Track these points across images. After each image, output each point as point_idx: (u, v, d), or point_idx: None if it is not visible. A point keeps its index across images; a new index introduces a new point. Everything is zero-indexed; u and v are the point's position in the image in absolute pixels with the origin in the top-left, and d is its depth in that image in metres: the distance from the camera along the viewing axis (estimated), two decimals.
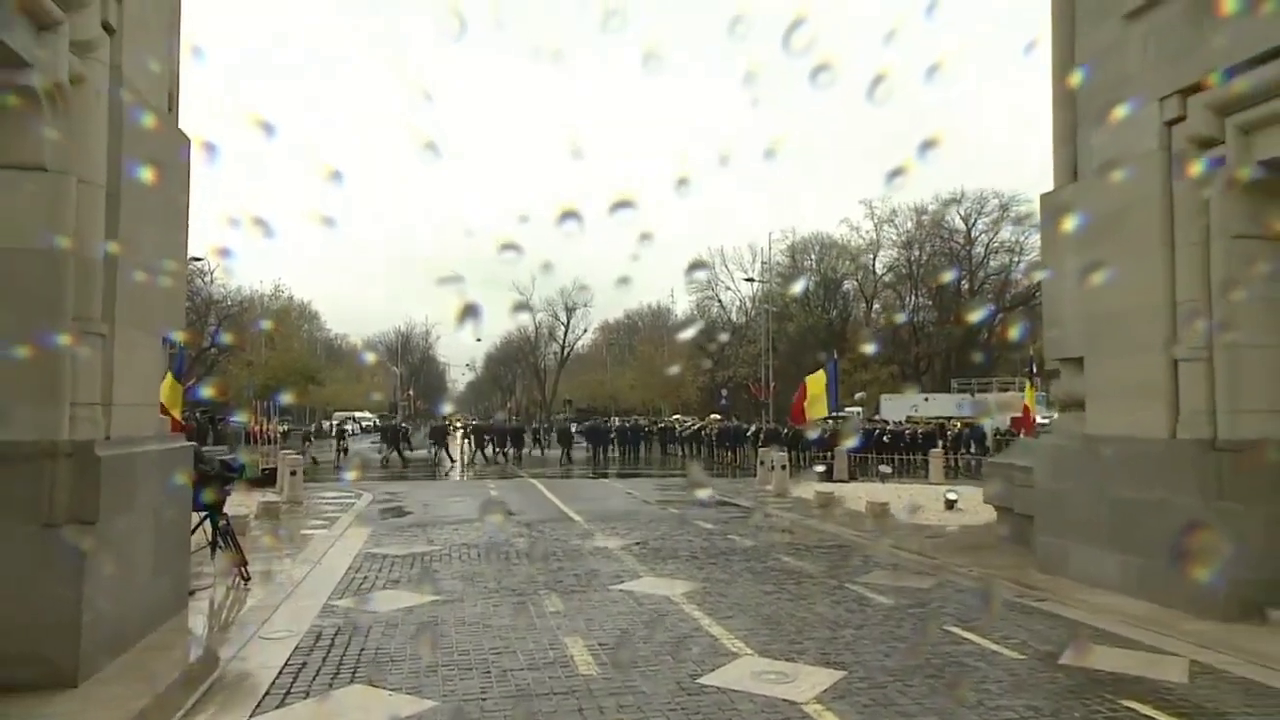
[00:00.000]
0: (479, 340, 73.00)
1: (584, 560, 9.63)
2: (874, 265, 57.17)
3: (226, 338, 46.78)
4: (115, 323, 5.78)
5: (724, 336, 56.18)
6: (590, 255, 66.87)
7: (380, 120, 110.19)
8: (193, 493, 7.46)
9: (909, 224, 54.94)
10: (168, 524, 6.61)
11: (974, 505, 13.52)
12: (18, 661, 4.92)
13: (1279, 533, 6.71)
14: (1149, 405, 7.61)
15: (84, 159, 5.48)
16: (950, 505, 14.32)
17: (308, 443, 30.13)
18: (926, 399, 43.58)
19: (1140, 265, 7.68)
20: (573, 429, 36.34)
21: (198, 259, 36.46)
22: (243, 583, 8.05)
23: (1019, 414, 21.79)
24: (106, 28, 5.70)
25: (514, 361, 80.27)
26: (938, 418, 36.00)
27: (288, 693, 5.09)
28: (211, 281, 47.39)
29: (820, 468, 21.53)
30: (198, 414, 31.87)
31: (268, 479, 17.04)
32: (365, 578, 8.58)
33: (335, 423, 47.61)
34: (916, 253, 55.33)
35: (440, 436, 31.35)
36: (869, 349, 49.76)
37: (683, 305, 69.88)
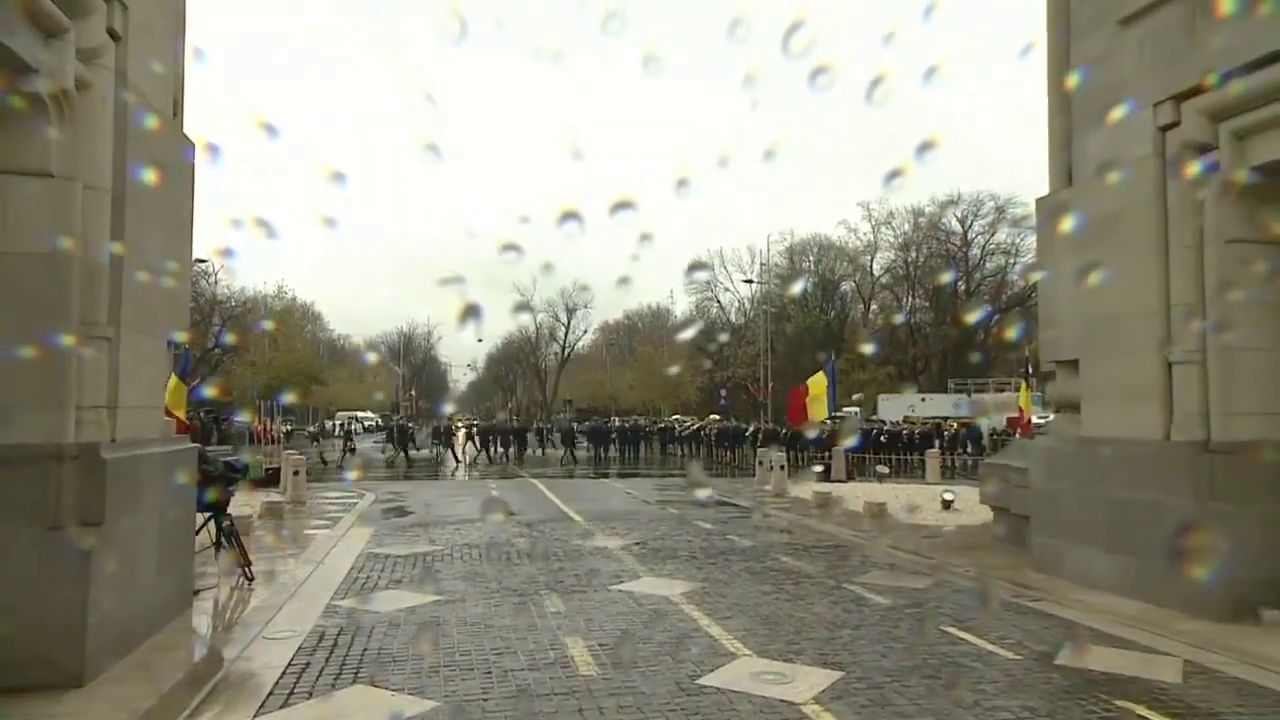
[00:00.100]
0: (480, 340, 73.02)
1: (584, 560, 9.63)
2: (871, 267, 57.22)
3: (230, 338, 46.81)
4: (120, 326, 5.78)
5: (724, 337, 56.22)
6: (590, 256, 67.10)
7: (381, 121, 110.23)
8: (197, 494, 7.47)
9: (906, 226, 55.03)
10: (172, 525, 6.62)
11: (970, 505, 13.52)
12: (24, 662, 4.92)
13: (1272, 533, 6.72)
14: (1143, 407, 7.62)
15: (90, 164, 5.49)
16: (947, 505, 14.33)
17: (316, 442, 30.19)
18: (923, 399, 43.58)
19: (1135, 269, 7.69)
20: (575, 429, 36.39)
21: (202, 260, 36.47)
22: (246, 583, 8.06)
23: (1013, 414, 21.82)
24: (112, 34, 5.70)
25: (515, 362, 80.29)
26: (934, 418, 36.03)
27: (291, 693, 5.10)
28: (216, 282, 47.46)
29: (818, 468, 21.55)
30: (202, 414, 31.90)
31: (271, 479, 17.05)
32: (368, 578, 8.58)
33: (339, 423, 47.65)
34: (914, 254, 55.38)
35: (446, 436, 31.35)
36: (868, 349, 49.82)
37: (682, 306, 69.93)
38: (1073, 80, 8.51)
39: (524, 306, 65.24)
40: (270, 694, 5.07)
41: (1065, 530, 8.45)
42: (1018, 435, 20.70)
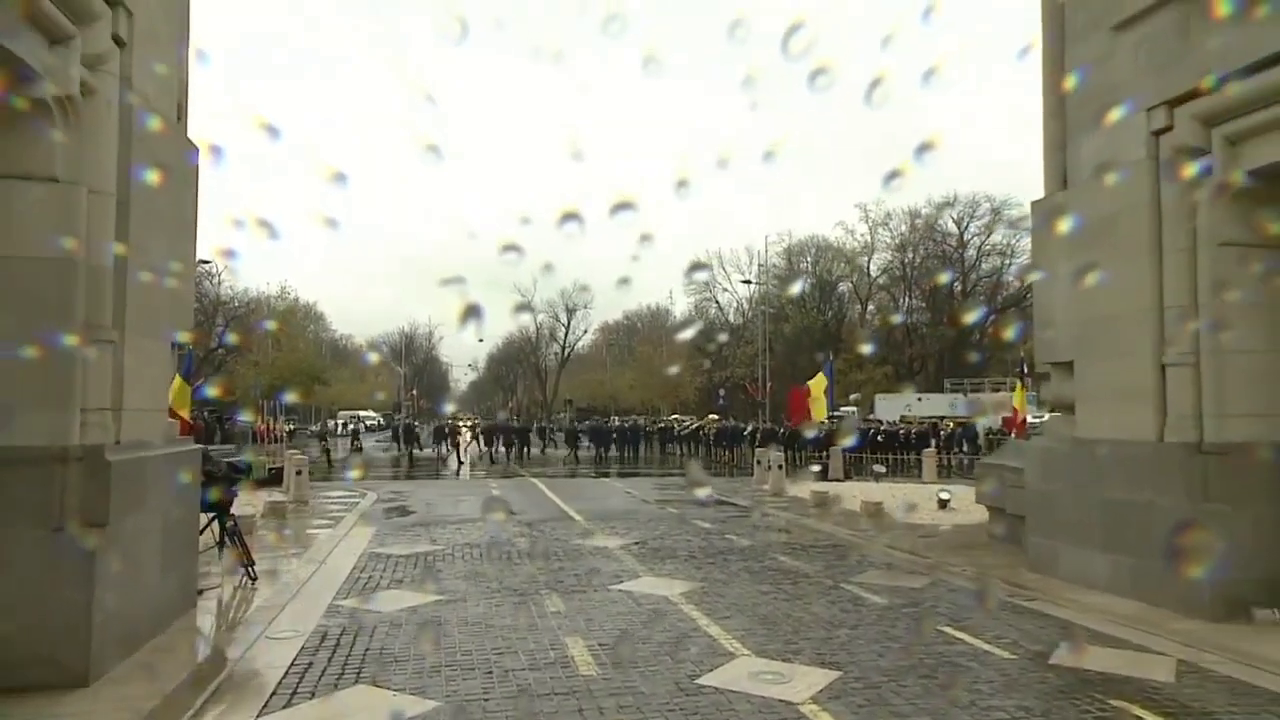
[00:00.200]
0: (481, 340, 73.10)
1: (584, 560, 9.63)
2: (869, 267, 57.28)
3: (232, 338, 46.84)
4: (125, 329, 5.78)
5: (723, 337, 56.25)
6: (590, 256, 67.16)
7: (381, 121, 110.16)
8: (200, 494, 7.48)
9: (903, 227, 55.10)
10: (176, 526, 6.62)
11: (966, 504, 13.53)
12: (30, 662, 4.92)
13: (1265, 533, 6.73)
14: (1137, 409, 7.63)
15: (95, 169, 5.49)
16: (943, 505, 14.33)
17: (323, 441, 30.25)
18: (920, 399, 43.64)
19: (1129, 271, 7.69)
20: (578, 429, 36.46)
21: (205, 261, 36.48)
22: (250, 582, 8.06)
23: (1009, 414, 21.83)
24: (117, 40, 5.70)
25: (515, 362, 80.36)
26: (931, 417, 36.08)
27: (294, 693, 5.10)
28: (219, 283, 47.49)
29: (816, 467, 21.56)
30: (205, 414, 31.89)
31: (274, 478, 17.05)
32: (370, 577, 8.58)
33: (344, 422, 47.64)
34: (910, 255, 55.45)
35: (450, 436, 31.36)
36: (866, 350, 49.91)
37: (681, 307, 69.99)
38: (1070, 82, 8.51)
39: (524, 307, 65.36)
40: (273, 694, 5.07)
41: (1060, 530, 8.46)
42: (1013, 435, 20.76)
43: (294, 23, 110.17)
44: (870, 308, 58.77)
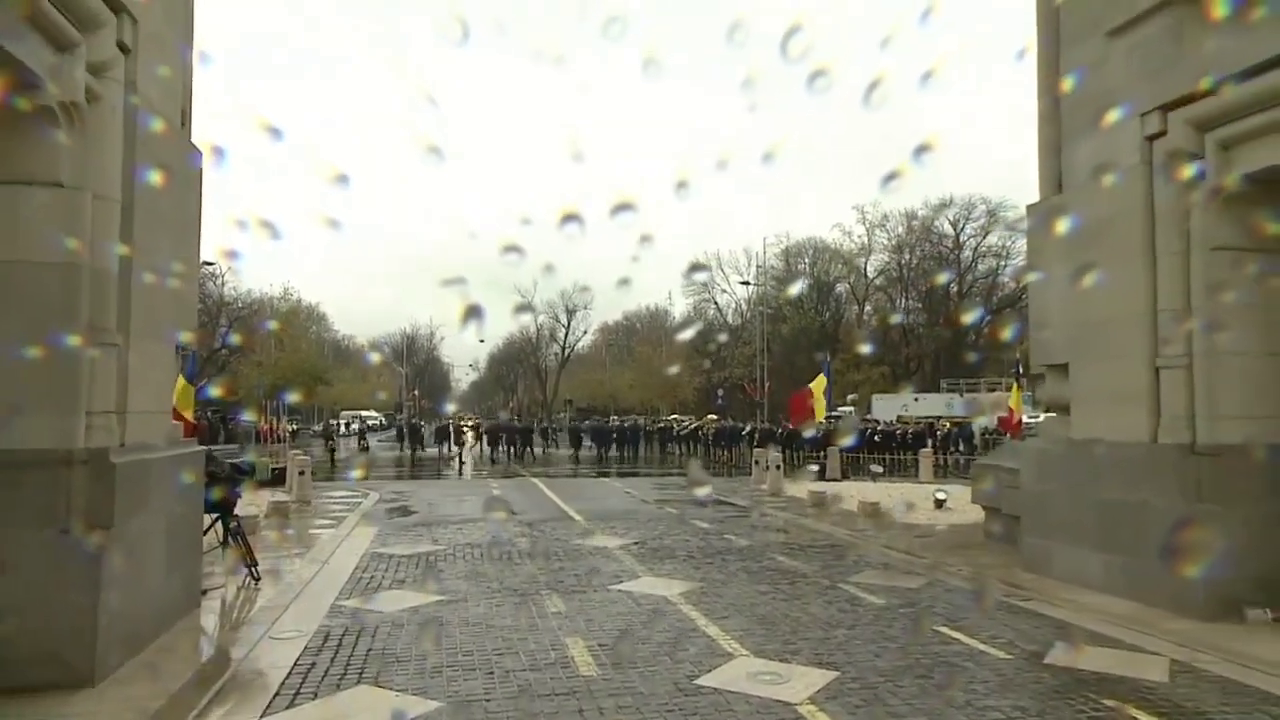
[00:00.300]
0: (482, 341, 73.10)
1: (584, 560, 9.63)
2: (866, 269, 57.33)
3: (235, 338, 46.86)
4: (129, 332, 5.79)
5: (723, 337, 56.29)
6: (590, 257, 66.95)
7: (381, 121, 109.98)
8: (204, 495, 7.48)
9: (900, 229, 55.15)
10: (180, 527, 6.62)
11: (962, 504, 13.55)
12: (35, 663, 4.93)
13: (1257, 533, 6.74)
14: (1131, 410, 7.64)
15: (99, 174, 5.49)
16: (939, 504, 14.34)
17: (329, 441, 30.24)
18: (916, 399, 43.69)
19: (1123, 275, 7.71)
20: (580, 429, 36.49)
21: (209, 263, 36.50)
22: (253, 582, 8.06)
23: (1004, 414, 21.88)
24: (122, 47, 5.71)
25: (516, 362, 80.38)
26: (927, 417, 36.11)
27: (297, 693, 5.10)
28: (223, 284, 47.49)
29: (814, 467, 21.57)
30: (209, 414, 31.89)
31: (277, 479, 17.04)
32: (372, 577, 8.59)
33: (346, 422, 47.65)
34: (907, 256, 55.51)
35: (457, 435, 31.35)
36: (865, 349, 49.99)
37: (680, 307, 70.04)
38: (1067, 84, 8.51)
39: (525, 307, 65.34)
40: (277, 694, 5.07)
41: (1055, 531, 8.47)
42: (1008, 435, 20.79)
43: (294, 23, 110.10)
44: (867, 309, 58.82)
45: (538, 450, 32.98)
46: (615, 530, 12.02)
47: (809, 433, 23.83)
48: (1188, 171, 7.22)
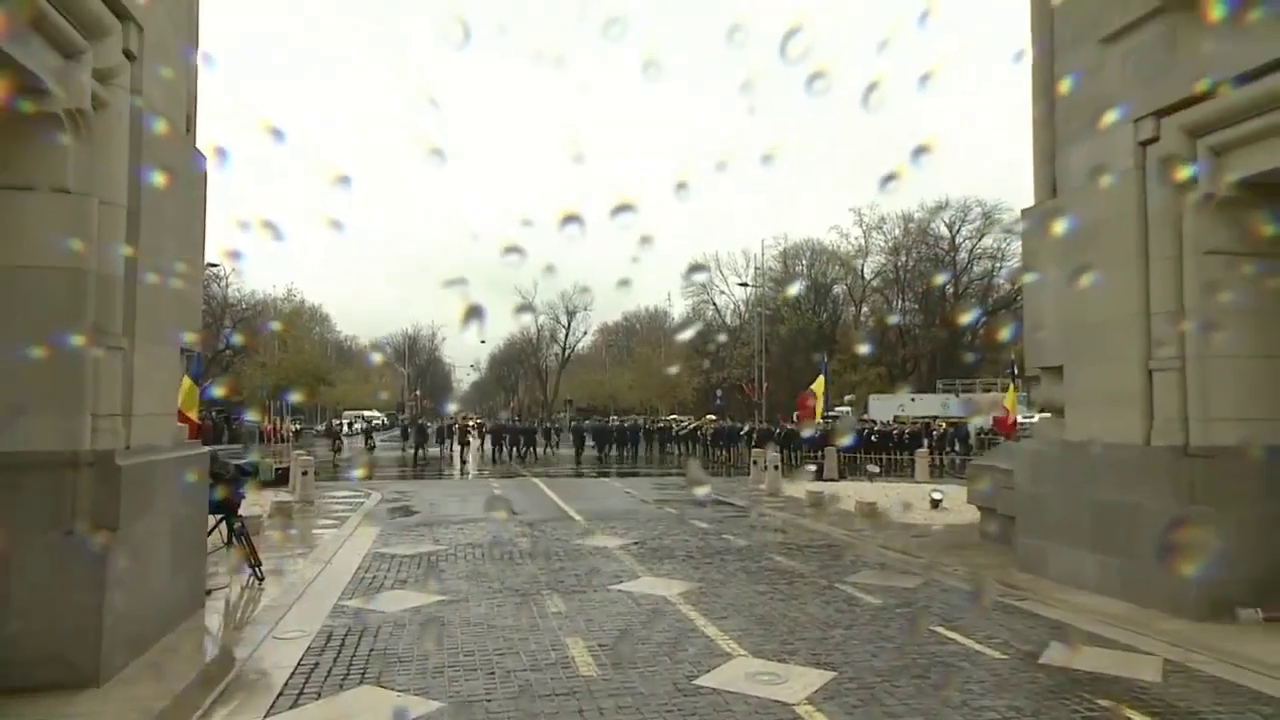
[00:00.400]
0: (483, 342, 73.13)
1: (584, 560, 9.63)
2: (863, 270, 57.37)
3: (238, 338, 46.87)
4: (134, 335, 5.80)
5: (722, 338, 56.31)
6: (591, 258, 66.86)
7: (382, 121, 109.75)
8: (208, 496, 7.48)
9: (896, 231, 55.20)
10: (184, 527, 6.63)
11: (958, 504, 13.55)
12: (41, 663, 4.94)
13: (1249, 534, 6.75)
14: (1125, 412, 7.65)
15: (106, 180, 5.50)
16: (935, 504, 14.35)
17: (336, 441, 30.22)
18: (913, 399, 43.70)
19: (1117, 278, 7.72)
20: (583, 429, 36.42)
21: (213, 265, 36.50)
22: (257, 582, 8.06)
23: (1001, 414, 21.93)
24: (128, 54, 5.72)
25: (517, 362, 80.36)
26: (923, 417, 36.12)
27: (300, 693, 5.10)
28: (227, 286, 47.49)
29: (812, 467, 21.57)
30: (214, 414, 31.89)
31: (281, 478, 17.03)
32: (374, 578, 8.59)
33: (349, 422, 47.63)
34: (904, 258, 55.54)
35: (462, 435, 31.32)
36: (864, 349, 50.02)
37: (679, 309, 70.05)
38: (1065, 85, 8.51)
39: (526, 308, 65.34)
40: (280, 694, 5.08)
41: (1050, 531, 8.48)
42: (1003, 436, 20.82)
43: (294, 23, 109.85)
44: (864, 309, 58.86)
45: (540, 450, 32.98)
46: (615, 530, 12.02)
47: (807, 433, 23.88)
48: (1181, 176, 7.23)
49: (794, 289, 56.16)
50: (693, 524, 12.75)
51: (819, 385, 19.48)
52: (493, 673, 5.46)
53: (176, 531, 6.41)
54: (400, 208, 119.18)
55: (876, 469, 22.81)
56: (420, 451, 29.94)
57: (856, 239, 56.44)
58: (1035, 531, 8.73)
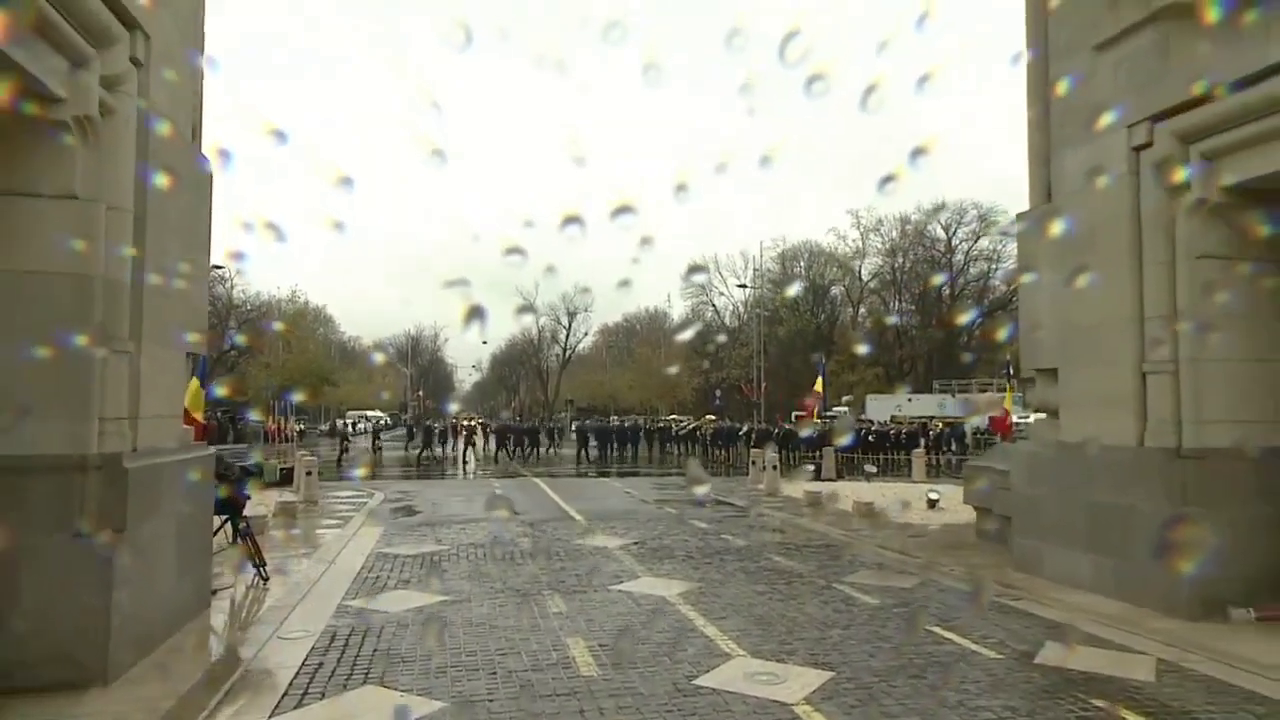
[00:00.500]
0: (485, 343, 73.16)
1: (585, 560, 9.64)
2: (860, 272, 57.41)
3: (240, 338, 46.92)
4: (141, 340, 5.81)
5: (721, 338, 56.33)
6: (591, 259, 66.81)
7: (384, 122, 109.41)
8: (214, 497, 7.49)
9: (894, 233, 55.25)
10: (191, 529, 6.64)
11: (954, 504, 13.56)
12: (49, 663, 4.95)
13: (1240, 535, 6.76)
14: (1119, 415, 7.66)
15: (113, 186, 5.52)
16: (932, 504, 14.36)
17: (344, 441, 30.20)
18: (910, 399, 43.73)
19: (1110, 282, 7.73)
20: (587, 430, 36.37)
21: (218, 267, 36.53)
22: (261, 583, 8.07)
23: (999, 414, 21.96)
24: (135, 62, 5.73)
25: (518, 363, 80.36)
26: (920, 417, 36.15)
27: (305, 693, 5.11)
28: (232, 287, 47.53)
29: (810, 467, 21.58)
30: (219, 414, 31.88)
31: (285, 479, 17.05)
32: (377, 578, 8.59)
33: (353, 422, 47.66)
34: (900, 260, 55.58)
35: (468, 435, 31.29)
36: (862, 349, 50.08)
37: (679, 310, 70.07)
38: (1059, 91, 8.52)
39: (527, 308, 65.31)
40: (285, 694, 5.08)
41: (1045, 532, 8.49)
42: (999, 436, 20.84)
43: (294, 23, 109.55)
44: (862, 311, 58.89)
45: (543, 450, 32.97)
46: (615, 530, 12.03)
47: (805, 432, 23.92)
48: (1174, 181, 7.25)
49: (793, 289, 56.22)
50: (692, 524, 12.76)
51: (818, 386, 19.66)
52: (495, 673, 5.46)
53: (183, 532, 6.42)
54: (400, 208, 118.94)
55: (874, 469, 22.83)
56: (427, 451, 29.95)
57: (854, 241, 56.57)
58: (1031, 532, 8.75)
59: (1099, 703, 4.95)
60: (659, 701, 4.92)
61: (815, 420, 20.39)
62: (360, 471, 23.19)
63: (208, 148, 7.34)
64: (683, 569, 9.15)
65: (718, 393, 52.90)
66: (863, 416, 39.09)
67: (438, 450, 31.85)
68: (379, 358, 77.63)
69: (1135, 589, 7.24)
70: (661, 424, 40.46)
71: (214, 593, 7.38)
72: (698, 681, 5.28)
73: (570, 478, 22.68)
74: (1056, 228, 8.45)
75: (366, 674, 5.45)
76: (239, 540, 8.26)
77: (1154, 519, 7.04)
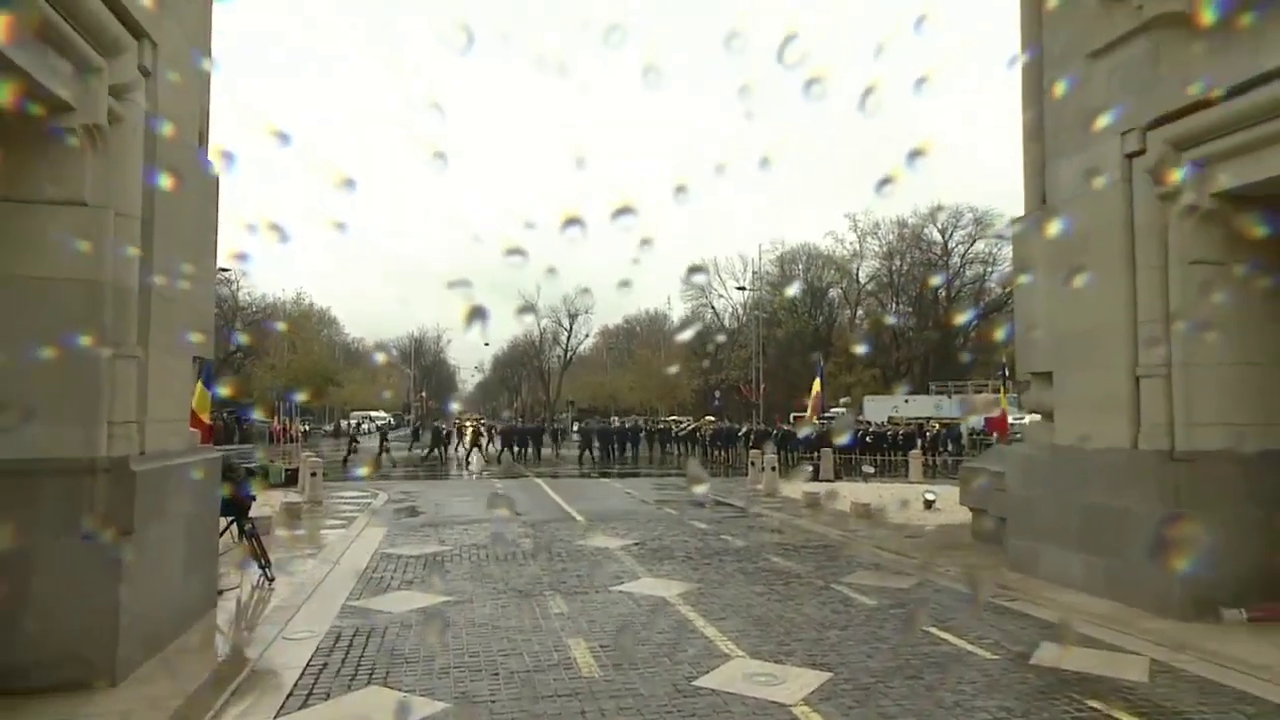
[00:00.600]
0: (487, 344, 73.22)
1: (586, 560, 9.65)
2: (857, 274, 57.42)
3: (243, 338, 46.93)
4: (149, 344, 5.83)
5: (721, 338, 56.34)
6: (591, 260, 66.72)
7: (383, 122, 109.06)
8: (220, 499, 7.50)
9: (891, 236, 55.26)
10: (197, 529, 6.65)
11: (950, 505, 13.54)
12: (59, 663, 4.96)
13: (1232, 537, 6.76)
14: (1112, 418, 7.68)
15: (121, 193, 5.53)
16: (928, 505, 14.37)
17: (353, 442, 30.19)
18: (907, 400, 43.72)
19: (1104, 287, 7.75)
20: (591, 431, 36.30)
21: (224, 269, 36.57)
22: (267, 583, 8.08)
23: (997, 414, 21.96)
24: (143, 70, 5.75)
25: (520, 364, 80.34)
26: (917, 418, 36.16)
27: (310, 693, 5.12)
28: (238, 289, 47.57)
29: (808, 468, 21.58)
30: (225, 414, 31.92)
31: (290, 479, 17.06)
32: (381, 578, 8.60)
33: (358, 423, 47.66)
34: (897, 263, 55.59)
35: (474, 438, 31.28)
36: (860, 349, 50.09)
37: (679, 312, 70.07)
38: (1055, 95, 8.53)
39: (528, 309, 65.17)
40: (290, 694, 5.10)
41: (1040, 533, 8.50)
42: (995, 436, 20.86)
43: (292, 22, 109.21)
44: (859, 313, 58.91)
45: (546, 451, 32.96)
46: (616, 531, 12.04)
47: (803, 433, 23.93)
48: (1167, 187, 7.27)
49: (792, 289, 56.25)
50: (692, 524, 12.77)
51: (817, 387, 19.71)
52: (497, 674, 5.47)
53: (189, 533, 6.43)
54: (398, 208, 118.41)
55: (871, 469, 22.85)
56: (435, 452, 29.92)
57: (851, 244, 56.57)
58: (1026, 533, 8.76)
59: (1093, 703, 4.96)
60: (659, 703, 4.93)
61: (814, 421, 20.39)
62: (364, 470, 23.16)
63: (211, 149, 7.35)
64: (682, 569, 9.16)
65: (717, 394, 52.89)
66: (860, 417, 39.08)
67: (447, 450, 31.85)
68: (380, 358, 77.63)
69: (1128, 589, 7.25)
70: (661, 425, 40.44)
71: (220, 593, 7.39)
72: (697, 682, 5.29)
73: (572, 478, 22.68)
74: (1051, 233, 8.47)
75: (370, 674, 5.46)
76: (245, 541, 8.27)
77: (1147, 521, 7.05)
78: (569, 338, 73.60)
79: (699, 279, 60.32)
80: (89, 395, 5.27)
